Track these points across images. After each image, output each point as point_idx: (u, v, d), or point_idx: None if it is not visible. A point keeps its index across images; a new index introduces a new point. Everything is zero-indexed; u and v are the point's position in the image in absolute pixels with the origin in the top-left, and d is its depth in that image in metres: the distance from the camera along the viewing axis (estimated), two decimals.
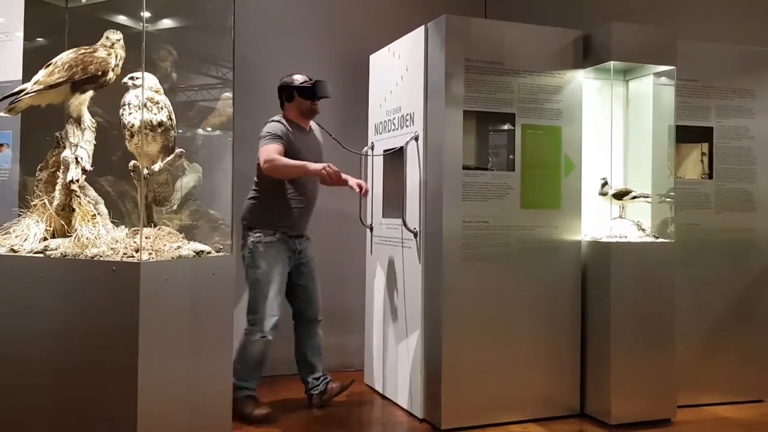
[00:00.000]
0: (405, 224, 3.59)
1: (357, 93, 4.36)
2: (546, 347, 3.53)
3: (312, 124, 3.71)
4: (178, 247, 2.63)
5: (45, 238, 2.72)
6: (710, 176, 3.90)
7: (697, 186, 3.88)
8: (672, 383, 3.54)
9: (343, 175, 3.44)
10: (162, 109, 2.79)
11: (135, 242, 2.53)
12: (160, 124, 2.79)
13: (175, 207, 3.10)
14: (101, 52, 2.79)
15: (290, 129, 3.54)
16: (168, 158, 2.83)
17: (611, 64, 3.55)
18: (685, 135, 3.81)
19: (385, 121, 3.98)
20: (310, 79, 3.61)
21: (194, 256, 2.64)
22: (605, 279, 3.46)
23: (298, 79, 3.61)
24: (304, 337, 3.74)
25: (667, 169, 3.70)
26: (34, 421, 2.52)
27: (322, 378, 3.73)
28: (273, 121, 3.58)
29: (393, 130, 3.88)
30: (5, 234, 2.75)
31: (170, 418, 2.49)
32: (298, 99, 3.59)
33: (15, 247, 2.66)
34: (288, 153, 3.45)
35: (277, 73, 4.42)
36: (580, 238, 3.63)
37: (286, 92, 3.62)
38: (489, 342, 3.43)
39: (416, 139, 3.58)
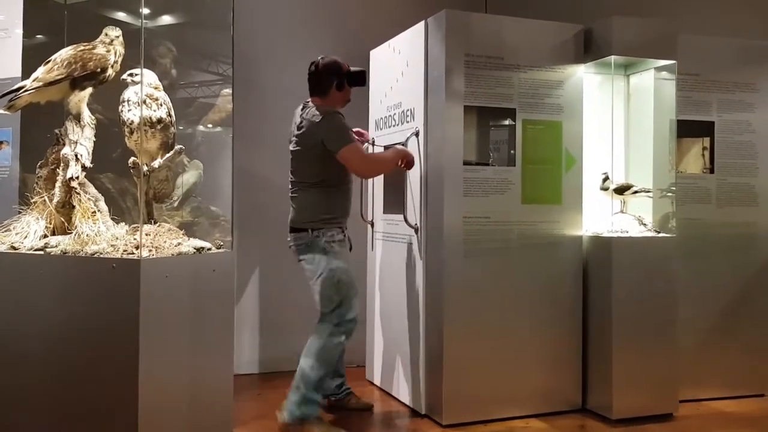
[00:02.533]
0: (406, 220, 3.59)
1: (357, 89, 4.34)
2: (547, 342, 3.53)
3: None
4: (179, 243, 2.64)
5: (45, 235, 2.73)
6: (712, 171, 3.88)
7: (699, 180, 3.87)
8: (674, 378, 3.53)
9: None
10: (161, 105, 2.80)
11: (135, 239, 2.54)
12: (160, 120, 2.79)
13: (176, 204, 3.10)
14: (100, 49, 2.79)
15: None
16: (167, 155, 2.83)
17: (612, 58, 3.54)
18: (687, 129, 3.79)
19: (386, 117, 3.98)
20: (348, 65, 3.34)
21: (194, 252, 2.64)
22: (606, 274, 3.45)
23: (342, 64, 3.30)
24: None
25: (669, 163, 3.69)
26: (36, 417, 2.52)
27: (345, 388, 3.59)
28: (335, 113, 3.17)
29: (393, 125, 3.87)
30: (5, 231, 2.76)
31: (171, 414, 2.49)
32: (347, 88, 3.31)
33: (15, 245, 2.67)
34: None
35: (277, 70, 4.42)
36: (582, 233, 3.62)
37: (338, 79, 3.26)
38: (490, 337, 3.43)
39: (417, 134, 3.58)
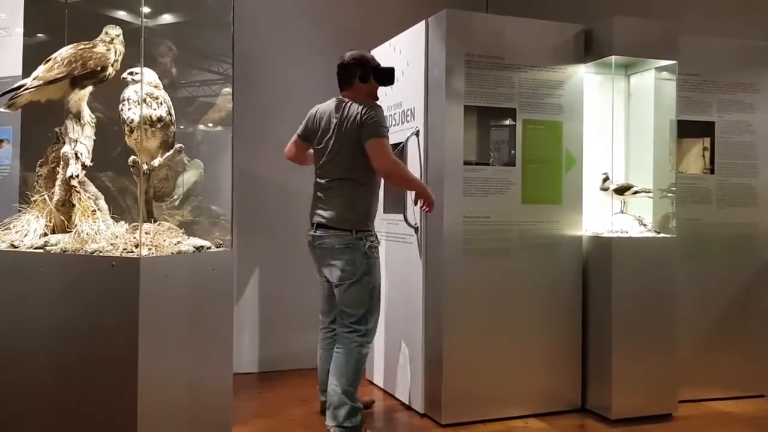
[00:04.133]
0: (406, 220, 3.59)
1: None
2: (547, 342, 3.53)
3: None
4: (178, 242, 2.63)
5: (45, 234, 2.73)
6: (712, 171, 3.88)
7: (699, 181, 3.87)
8: (673, 378, 3.53)
9: None
10: (161, 104, 2.80)
11: (135, 238, 2.54)
12: (160, 119, 2.79)
13: (176, 203, 3.10)
14: (100, 48, 2.79)
15: None
16: (167, 154, 2.83)
17: (612, 58, 3.54)
18: (687, 130, 3.79)
19: (386, 117, 3.97)
20: (378, 63, 3.29)
21: (194, 251, 2.64)
22: (606, 274, 3.45)
23: (370, 58, 3.25)
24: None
25: (669, 164, 3.68)
26: (34, 415, 2.52)
27: None
28: (376, 106, 3.09)
29: (394, 125, 3.87)
30: (5, 229, 2.76)
31: (170, 412, 2.49)
32: (372, 82, 3.23)
33: (15, 243, 2.67)
34: None
35: (277, 69, 4.43)
36: (581, 233, 3.62)
37: (362, 71, 3.19)
38: (490, 337, 3.43)
39: (417, 134, 3.58)
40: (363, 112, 3.04)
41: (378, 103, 3.18)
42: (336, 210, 3.10)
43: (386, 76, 3.26)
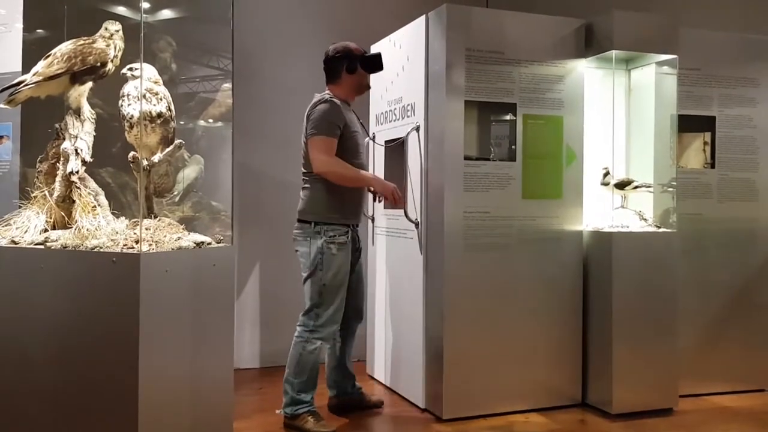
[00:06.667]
0: (406, 215, 3.59)
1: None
2: (548, 337, 3.53)
3: None
4: (179, 238, 2.63)
5: (45, 230, 2.72)
6: (712, 166, 3.88)
7: (699, 176, 3.86)
8: (674, 373, 3.54)
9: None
10: (161, 100, 2.79)
11: (135, 233, 2.53)
12: (159, 115, 2.78)
13: (177, 199, 3.10)
14: (100, 43, 2.78)
15: (344, 111, 3.14)
16: (167, 149, 2.83)
17: (613, 53, 3.53)
18: (688, 124, 3.79)
19: (386, 112, 3.97)
20: (364, 51, 3.29)
21: (194, 247, 2.64)
22: (607, 269, 3.45)
23: (354, 48, 3.25)
24: (348, 338, 3.45)
25: (669, 158, 3.68)
26: (35, 410, 2.52)
27: (358, 386, 3.56)
28: (324, 101, 3.11)
29: (394, 120, 3.86)
30: (6, 226, 2.76)
31: (172, 407, 2.49)
32: (360, 71, 3.25)
33: (15, 239, 2.67)
34: (347, 140, 3.13)
35: (277, 64, 4.43)
36: (582, 228, 3.62)
37: (349, 62, 3.20)
38: (490, 332, 3.43)
39: (417, 129, 3.57)
40: (311, 106, 3.14)
41: (332, 100, 3.13)
42: (301, 202, 3.23)
43: (374, 63, 3.29)
